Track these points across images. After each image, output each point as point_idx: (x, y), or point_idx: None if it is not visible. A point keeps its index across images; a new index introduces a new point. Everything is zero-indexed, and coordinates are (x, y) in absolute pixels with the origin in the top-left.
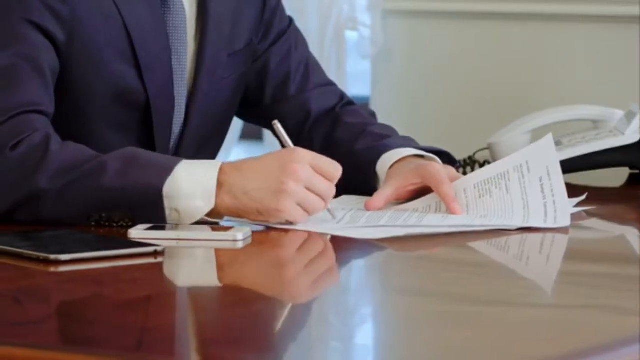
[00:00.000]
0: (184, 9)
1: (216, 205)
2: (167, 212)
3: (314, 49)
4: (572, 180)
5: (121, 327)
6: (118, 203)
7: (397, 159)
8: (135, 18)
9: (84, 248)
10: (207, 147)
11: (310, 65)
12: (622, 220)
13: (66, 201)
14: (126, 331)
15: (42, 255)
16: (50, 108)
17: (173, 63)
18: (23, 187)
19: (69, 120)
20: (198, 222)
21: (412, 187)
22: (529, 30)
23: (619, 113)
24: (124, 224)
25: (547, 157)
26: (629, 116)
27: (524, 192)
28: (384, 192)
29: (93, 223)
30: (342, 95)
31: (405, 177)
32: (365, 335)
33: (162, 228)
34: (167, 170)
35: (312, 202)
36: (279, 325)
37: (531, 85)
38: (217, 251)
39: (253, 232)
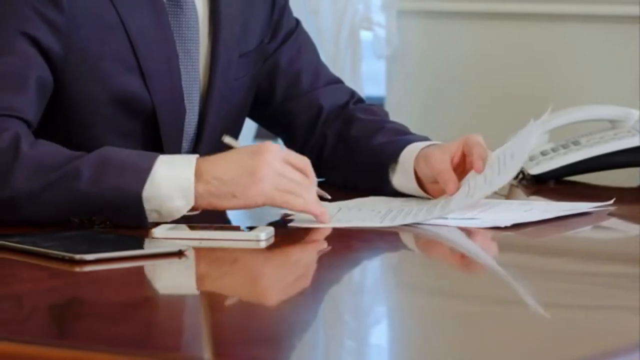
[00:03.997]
0: (195, 9)
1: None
2: (148, 213)
3: (328, 49)
4: (590, 180)
5: (145, 326)
6: (97, 208)
7: (423, 146)
8: (139, 26)
9: (108, 248)
10: (223, 148)
11: (319, 64)
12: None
13: (44, 204)
14: (150, 331)
15: (68, 255)
16: (30, 116)
17: (184, 66)
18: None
19: (76, 132)
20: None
21: (456, 159)
22: (542, 30)
23: (636, 113)
24: (105, 226)
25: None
26: None
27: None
28: (448, 167)
29: (76, 221)
30: (353, 93)
31: (452, 146)
32: (380, 335)
33: (186, 228)
34: (145, 172)
35: (288, 186)
36: (294, 324)
37: (545, 84)
38: (238, 251)
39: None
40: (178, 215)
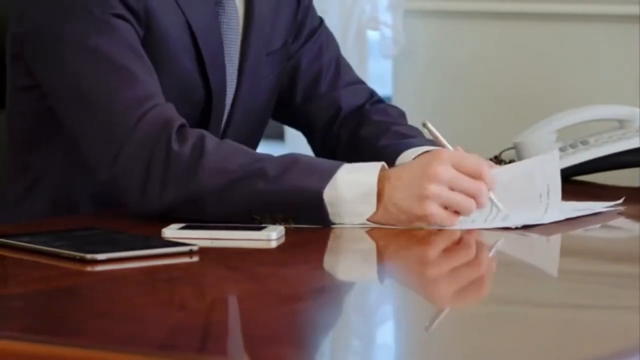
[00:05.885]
0: (236, 10)
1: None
2: (331, 216)
3: None
4: (598, 180)
5: (157, 326)
6: (277, 205)
7: (421, 152)
8: (196, 16)
9: (119, 247)
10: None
11: (340, 64)
12: None
13: (227, 202)
14: (162, 330)
15: (79, 254)
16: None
17: (226, 63)
18: (186, 186)
19: None
20: None
21: None
22: (550, 29)
23: None
24: (288, 224)
25: (551, 172)
26: None
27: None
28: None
29: (258, 219)
30: (372, 93)
31: None
32: (387, 335)
33: (196, 227)
34: (329, 174)
35: (459, 201)
36: (300, 324)
37: (552, 84)
38: (252, 251)
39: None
40: (360, 220)
